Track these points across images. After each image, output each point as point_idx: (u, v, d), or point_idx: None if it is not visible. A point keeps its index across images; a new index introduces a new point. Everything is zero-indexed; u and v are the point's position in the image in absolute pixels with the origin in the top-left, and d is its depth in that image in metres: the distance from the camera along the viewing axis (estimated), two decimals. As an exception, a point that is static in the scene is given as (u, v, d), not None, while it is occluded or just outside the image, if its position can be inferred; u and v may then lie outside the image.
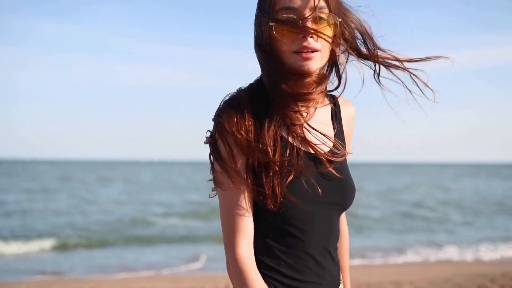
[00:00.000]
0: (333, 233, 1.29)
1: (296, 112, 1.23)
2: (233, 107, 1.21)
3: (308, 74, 1.21)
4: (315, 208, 1.22)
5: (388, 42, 1.29)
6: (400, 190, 31.53)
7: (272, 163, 1.17)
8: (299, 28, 1.18)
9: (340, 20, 1.24)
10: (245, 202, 1.20)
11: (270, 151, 1.18)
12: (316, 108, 1.28)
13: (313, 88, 1.23)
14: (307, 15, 1.19)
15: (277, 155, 1.18)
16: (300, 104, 1.24)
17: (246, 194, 1.20)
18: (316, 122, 1.27)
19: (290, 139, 1.23)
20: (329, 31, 1.21)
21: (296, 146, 1.22)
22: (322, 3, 1.20)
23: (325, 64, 1.27)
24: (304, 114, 1.24)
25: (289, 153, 1.20)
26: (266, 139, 1.19)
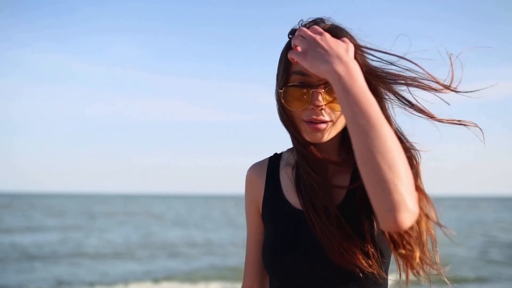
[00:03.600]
0: None
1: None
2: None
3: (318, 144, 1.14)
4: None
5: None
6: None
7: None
8: (308, 99, 1.10)
9: None
10: (255, 244, 1.30)
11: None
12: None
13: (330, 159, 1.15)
14: (319, 83, 1.09)
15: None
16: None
17: (256, 237, 1.29)
18: None
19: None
20: None
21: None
22: None
23: (340, 130, 1.15)
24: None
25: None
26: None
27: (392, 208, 0.86)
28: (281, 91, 1.13)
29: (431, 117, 1.09)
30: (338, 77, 0.95)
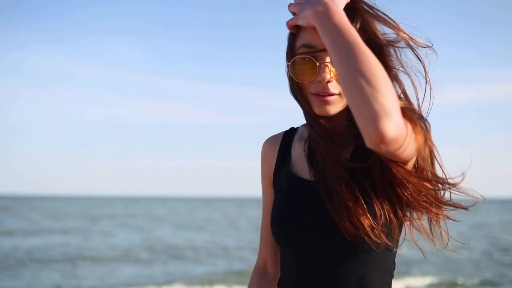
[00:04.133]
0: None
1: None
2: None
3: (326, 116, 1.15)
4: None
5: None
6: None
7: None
8: (315, 72, 1.11)
9: None
10: (269, 218, 1.28)
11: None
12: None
13: (341, 130, 1.16)
14: (326, 55, 1.09)
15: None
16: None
17: (270, 210, 1.29)
18: None
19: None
20: None
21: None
22: None
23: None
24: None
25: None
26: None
27: (373, 117, 0.89)
28: (288, 64, 1.15)
29: (399, 29, 1.13)
30: (317, 15, 1.02)
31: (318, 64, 1.10)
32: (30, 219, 33.88)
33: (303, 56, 1.11)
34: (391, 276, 1.21)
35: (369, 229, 1.08)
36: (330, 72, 1.10)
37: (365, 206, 1.10)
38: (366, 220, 1.09)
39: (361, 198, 1.10)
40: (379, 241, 1.09)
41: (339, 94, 1.12)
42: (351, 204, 1.09)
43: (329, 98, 1.11)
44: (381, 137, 0.89)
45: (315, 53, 1.11)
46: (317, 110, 1.14)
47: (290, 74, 1.15)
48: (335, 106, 1.13)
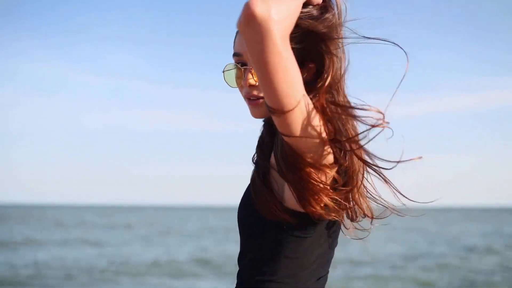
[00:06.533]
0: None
1: None
2: None
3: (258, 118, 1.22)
4: None
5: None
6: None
7: None
8: (242, 78, 1.18)
9: None
10: None
11: None
12: None
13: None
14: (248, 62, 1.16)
15: None
16: None
17: None
18: None
19: None
20: None
21: None
22: None
23: None
24: None
25: None
26: None
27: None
28: (222, 72, 1.24)
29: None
30: None
31: (242, 69, 1.18)
32: (43, 228, 32.68)
33: (230, 64, 1.21)
34: (287, 259, 1.16)
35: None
36: (253, 77, 1.15)
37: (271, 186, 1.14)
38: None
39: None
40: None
41: None
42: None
43: (256, 101, 1.17)
44: (247, 9, 0.89)
45: (242, 60, 1.18)
46: (250, 113, 1.20)
47: (225, 81, 1.23)
48: (262, 108, 1.16)
